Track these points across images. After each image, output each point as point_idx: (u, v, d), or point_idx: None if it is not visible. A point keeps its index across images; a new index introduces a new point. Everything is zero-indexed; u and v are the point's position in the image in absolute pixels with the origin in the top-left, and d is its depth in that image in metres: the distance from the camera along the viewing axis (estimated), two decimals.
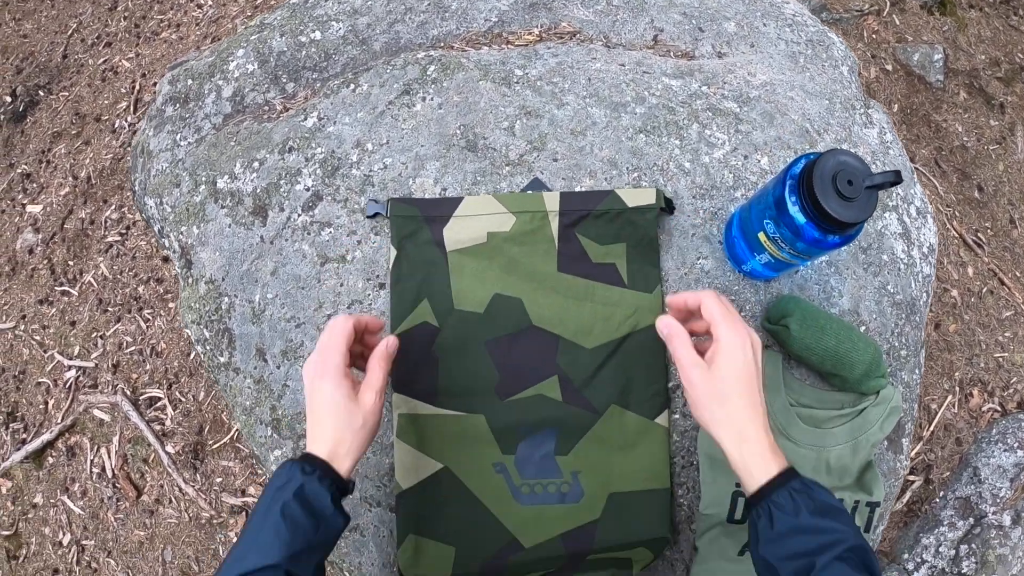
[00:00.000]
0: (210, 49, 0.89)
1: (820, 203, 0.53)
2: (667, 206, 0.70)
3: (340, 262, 0.71)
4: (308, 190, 0.73)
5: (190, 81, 0.86)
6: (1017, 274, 1.37)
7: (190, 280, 0.77)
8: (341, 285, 0.71)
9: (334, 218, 0.72)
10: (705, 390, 0.51)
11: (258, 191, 0.75)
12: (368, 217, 0.70)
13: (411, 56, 0.79)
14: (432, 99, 0.75)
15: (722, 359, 0.51)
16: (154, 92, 1.62)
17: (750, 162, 0.74)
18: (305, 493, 0.50)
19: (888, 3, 1.58)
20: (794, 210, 0.56)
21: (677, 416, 0.69)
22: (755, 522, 0.49)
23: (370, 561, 0.71)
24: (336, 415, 0.53)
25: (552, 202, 0.68)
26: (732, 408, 0.50)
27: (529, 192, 0.70)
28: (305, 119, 0.76)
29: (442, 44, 0.83)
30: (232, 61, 0.85)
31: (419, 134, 0.74)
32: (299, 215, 0.73)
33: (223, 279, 0.74)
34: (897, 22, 1.55)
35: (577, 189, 0.71)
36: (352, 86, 0.77)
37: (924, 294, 0.78)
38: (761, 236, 0.61)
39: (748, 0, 0.91)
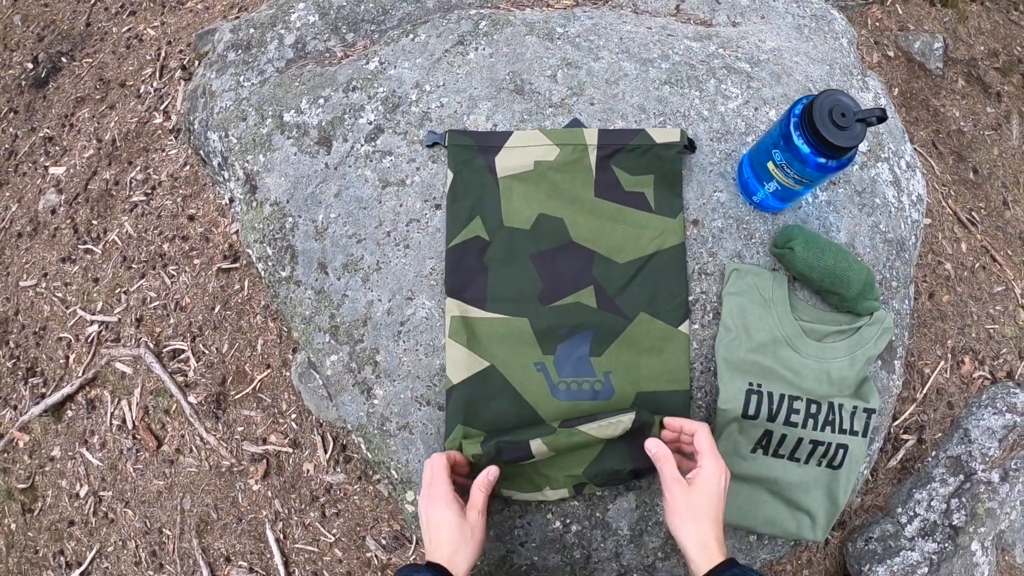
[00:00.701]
0: (268, 3, 1.03)
1: (820, 132, 0.68)
2: (689, 145, 0.84)
3: (400, 185, 0.85)
4: (371, 123, 0.87)
5: (252, 30, 0.99)
6: (1008, 252, 1.53)
7: (254, 204, 0.90)
8: (400, 205, 0.84)
9: (395, 147, 0.86)
10: (684, 504, 0.66)
11: (323, 124, 0.88)
12: (427, 146, 0.84)
13: (464, 12, 0.93)
14: (484, 49, 0.90)
15: (702, 484, 0.66)
16: (180, 58, 1.76)
17: (760, 113, 0.89)
18: None
19: None
20: (799, 141, 0.71)
21: (696, 326, 0.82)
22: None
23: (417, 458, 0.83)
24: (451, 531, 0.67)
25: (591, 137, 0.83)
26: (702, 524, 0.65)
27: (570, 128, 0.84)
28: (367, 63, 0.90)
29: (490, 4, 0.98)
30: (293, 13, 0.99)
31: (472, 78, 0.88)
32: (362, 145, 0.87)
33: (288, 201, 0.87)
34: (900, 11, 1.72)
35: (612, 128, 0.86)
36: (411, 36, 0.91)
37: (913, 236, 0.93)
38: (770, 165, 0.75)
39: None
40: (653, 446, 0.71)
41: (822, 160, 0.71)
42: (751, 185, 0.82)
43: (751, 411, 0.79)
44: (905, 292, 0.91)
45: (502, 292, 0.80)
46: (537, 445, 0.72)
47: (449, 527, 0.67)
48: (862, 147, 0.92)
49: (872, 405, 0.83)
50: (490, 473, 0.72)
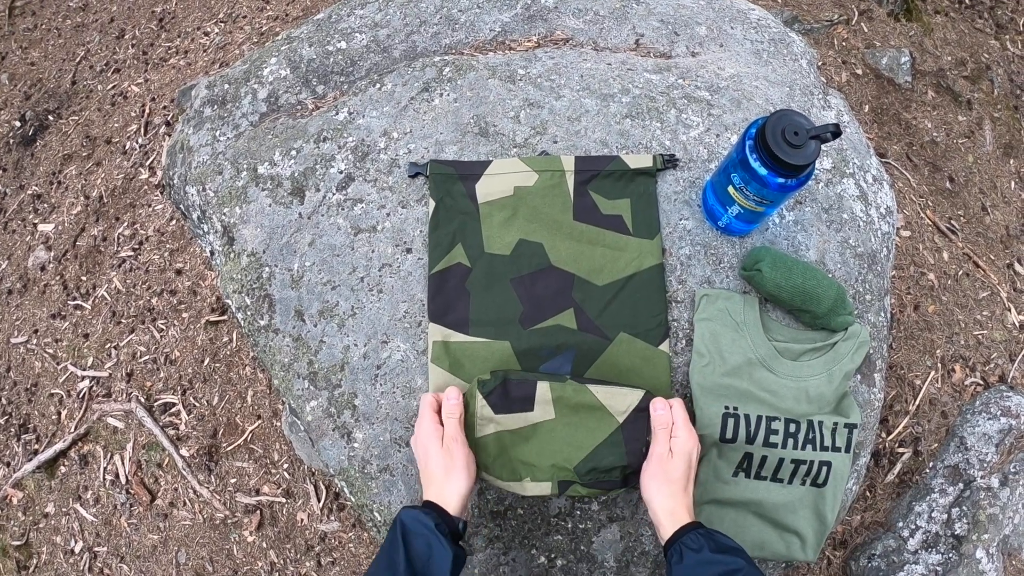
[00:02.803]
0: (243, 59, 1.07)
1: (774, 153, 0.70)
2: (670, 161, 0.88)
3: (371, 232, 0.87)
4: (341, 172, 0.90)
5: (227, 85, 1.03)
6: (991, 257, 1.55)
7: (231, 255, 0.92)
8: (372, 251, 0.86)
9: (365, 195, 0.88)
10: (661, 470, 0.70)
11: (296, 175, 0.91)
12: (410, 176, 0.87)
13: (428, 60, 0.97)
14: (448, 94, 0.93)
15: (677, 453, 0.70)
16: (164, 114, 1.81)
17: (722, 139, 0.92)
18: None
19: (856, 12, 1.81)
20: (756, 163, 0.73)
21: (670, 353, 0.84)
22: (669, 561, 0.65)
23: (399, 500, 0.84)
24: (436, 464, 0.70)
25: (568, 163, 0.86)
26: (674, 490, 0.69)
27: (549, 155, 0.87)
28: (337, 114, 0.94)
29: (453, 51, 1.02)
30: (266, 67, 1.02)
31: (438, 123, 0.91)
32: (333, 194, 0.89)
33: (264, 251, 0.90)
34: (865, 30, 1.78)
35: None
36: (378, 85, 0.95)
37: (884, 248, 0.95)
38: (730, 189, 0.78)
39: (718, 8, 1.11)
40: (661, 407, 0.73)
41: (780, 180, 0.73)
42: (715, 210, 0.84)
43: (729, 434, 0.79)
44: (880, 305, 0.93)
45: (484, 316, 0.82)
46: (543, 390, 0.73)
47: (435, 460, 0.70)
48: (826, 164, 0.95)
49: (853, 420, 0.84)
50: (450, 396, 0.73)
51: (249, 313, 0.90)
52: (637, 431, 0.73)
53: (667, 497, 0.68)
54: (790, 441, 0.81)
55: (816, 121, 0.97)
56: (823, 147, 0.96)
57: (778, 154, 0.70)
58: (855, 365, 0.85)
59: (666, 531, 0.67)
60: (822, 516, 0.84)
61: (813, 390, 0.83)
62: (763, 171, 0.73)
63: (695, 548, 0.64)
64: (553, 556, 0.82)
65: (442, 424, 0.73)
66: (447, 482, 0.69)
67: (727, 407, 0.80)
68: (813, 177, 0.93)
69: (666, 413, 0.72)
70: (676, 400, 0.74)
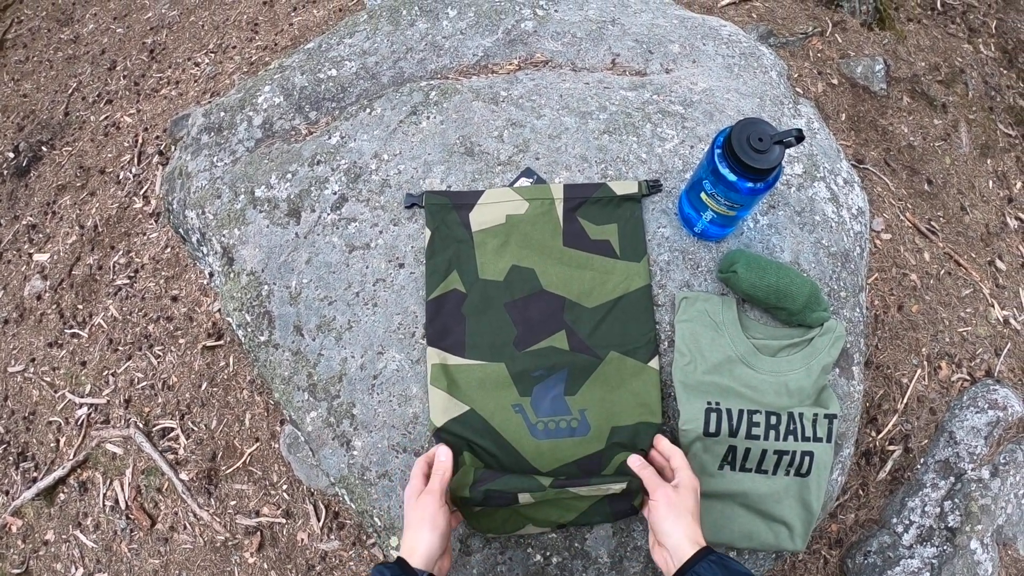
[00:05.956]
0: (237, 87, 1.14)
1: (740, 158, 0.77)
2: (654, 187, 0.95)
3: (365, 249, 0.94)
4: (335, 194, 0.97)
5: (223, 113, 1.10)
6: (972, 255, 1.62)
7: (231, 275, 0.98)
8: (367, 267, 0.93)
9: (358, 214, 0.95)
10: (672, 502, 0.74)
11: (291, 197, 0.98)
12: (406, 207, 0.94)
13: (415, 85, 1.04)
14: (435, 117, 1.00)
15: (684, 486, 0.75)
16: (157, 144, 1.88)
17: (696, 150, 0.99)
18: None
19: (830, 24, 1.90)
20: (724, 171, 0.80)
21: (660, 348, 0.90)
22: None
23: (398, 504, 0.89)
24: (411, 517, 0.75)
25: (557, 191, 0.93)
26: (687, 520, 0.73)
27: (537, 184, 0.94)
28: (329, 138, 1.01)
29: (439, 75, 1.09)
30: (260, 95, 1.10)
31: (426, 145, 0.98)
32: (328, 214, 0.96)
33: (263, 270, 0.96)
34: (840, 40, 1.87)
35: (556, 181, 0.95)
36: (368, 110, 1.02)
37: (858, 247, 1.02)
38: (703, 196, 0.85)
39: (690, 26, 1.20)
40: (636, 460, 0.80)
41: (749, 184, 0.80)
42: (691, 217, 0.91)
43: (712, 428, 0.85)
44: (855, 300, 0.99)
45: (479, 340, 0.88)
46: (525, 498, 0.78)
47: (408, 513, 0.75)
48: (797, 169, 1.02)
49: (833, 411, 0.90)
50: (440, 455, 0.79)
51: (250, 330, 0.96)
52: (622, 503, 0.81)
53: (683, 526, 0.71)
54: (772, 433, 0.87)
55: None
56: (794, 153, 1.03)
57: (745, 160, 0.77)
58: (832, 359, 0.92)
59: (680, 557, 0.69)
60: (808, 505, 0.89)
61: (793, 384, 0.89)
62: (732, 177, 0.80)
63: None
64: (548, 554, 0.87)
65: (426, 481, 0.78)
66: (414, 533, 0.73)
67: (709, 402, 0.86)
68: (784, 182, 1.00)
69: (641, 462, 0.79)
70: (676, 451, 0.80)
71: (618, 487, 0.77)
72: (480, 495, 0.77)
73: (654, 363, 0.88)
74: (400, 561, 0.71)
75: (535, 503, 0.79)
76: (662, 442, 0.83)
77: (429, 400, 0.86)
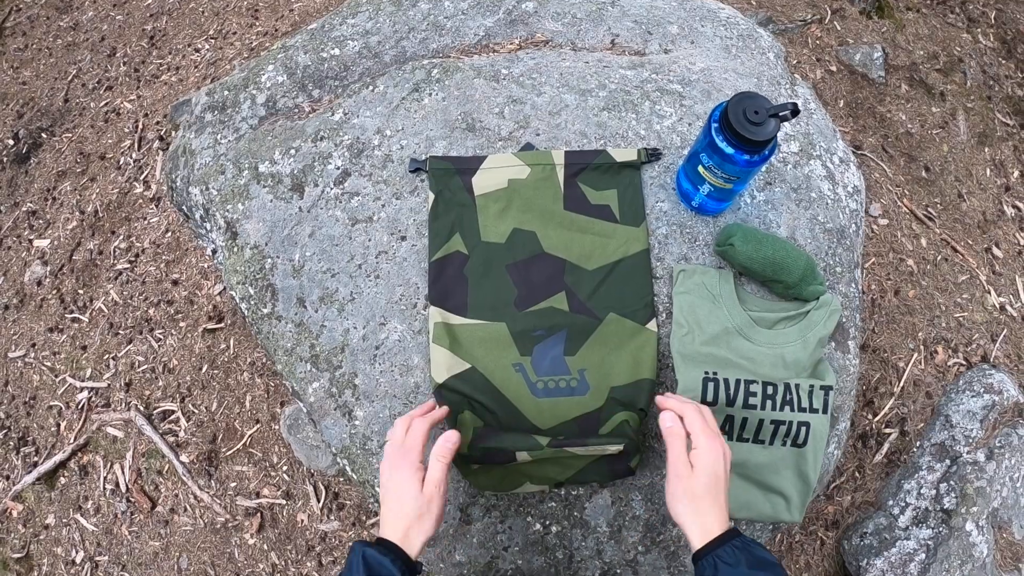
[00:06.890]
0: (240, 67, 1.16)
1: (737, 131, 0.79)
2: (654, 154, 0.97)
3: (368, 222, 0.95)
4: (338, 169, 0.99)
5: (226, 92, 1.12)
6: (969, 242, 1.64)
7: (235, 249, 1.00)
8: (369, 240, 0.95)
9: (361, 188, 0.97)
10: (682, 489, 0.67)
11: (295, 172, 1.00)
12: (410, 171, 0.96)
13: (417, 63, 1.06)
14: (437, 94, 1.02)
15: (699, 466, 0.67)
16: (157, 130, 1.90)
17: (693, 128, 1.01)
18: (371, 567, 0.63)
19: (829, 11, 1.93)
20: (722, 143, 0.82)
21: (659, 319, 0.92)
22: (701, 572, 0.64)
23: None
24: (412, 505, 0.68)
25: (558, 157, 0.95)
26: (700, 508, 0.66)
27: (539, 149, 0.96)
28: (333, 115, 1.03)
29: (441, 54, 1.11)
30: (263, 74, 1.11)
31: (428, 121, 1.00)
32: (331, 188, 0.98)
33: (266, 244, 0.98)
34: (839, 28, 1.89)
35: None
36: (371, 87, 1.04)
37: (853, 224, 1.04)
38: (700, 169, 0.87)
39: (689, 8, 1.22)
40: (669, 420, 0.72)
41: (746, 156, 0.82)
42: (689, 191, 0.93)
43: (709, 397, 0.87)
44: (851, 276, 1.01)
45: (481, 300, 0.91)
46: (523, 456, 0.80)
47: (412, 501, 0.68)
48: (794, 148, 1.04)
49: (828, 382, 0.92)
50: (449, 439, 0.74)
51: (253, 302, 0.97)
52: (619, 463, 0.83)
53: (695, 514, 0.66)
54: (768, 403, 0.89)
55: None
56: (791, 131, 1.05)
57: (741, 132, 0.79)
58: (828, 331, 0.94)
59: (697, 542, 0.65)
60: (805, 476, 0.91)
61: (789, 356, 0.91)
62: (729, 149, 0.82)
63: (731, 563, 0.62)
64: (548, 523, 0.89)
65: (423, 464, 0.71)
66: (416, 526, 0.68)
67: (707, 372, 0.88)
68: (781, 159, 1.02)
69: (675, 425, 0.71)
70: (690, 407, 0.72)
71: (615, 448, 0.79)
72: (479, 452, 0.79)
73: (652, 325, 0.91)
74: (395, 549, 0.66)
75: (533, 461, 0.81)
76: (669, 400, 0.76)
77: (431, 358, 0.88)
